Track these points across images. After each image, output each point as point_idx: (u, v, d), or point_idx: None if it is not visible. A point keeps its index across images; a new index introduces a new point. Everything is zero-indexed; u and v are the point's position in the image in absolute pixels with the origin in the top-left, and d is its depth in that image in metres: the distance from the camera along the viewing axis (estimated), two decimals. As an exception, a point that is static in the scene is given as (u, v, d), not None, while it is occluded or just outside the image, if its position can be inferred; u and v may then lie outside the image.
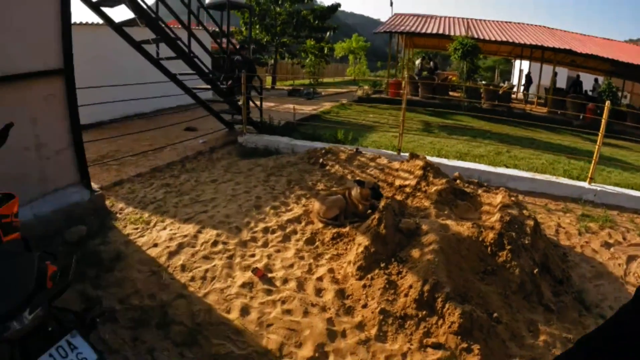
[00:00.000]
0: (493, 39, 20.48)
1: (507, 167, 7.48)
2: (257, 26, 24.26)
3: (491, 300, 3.47)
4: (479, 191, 5.38)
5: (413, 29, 21.80)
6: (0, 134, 3.18)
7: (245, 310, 3.52)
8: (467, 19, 23.83)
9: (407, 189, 5.38)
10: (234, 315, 3.47)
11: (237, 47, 11.89)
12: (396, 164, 6.43)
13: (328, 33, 26.94)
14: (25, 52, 4.96)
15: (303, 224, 5.07)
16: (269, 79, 14.83)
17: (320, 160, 7.31)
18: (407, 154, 6.81)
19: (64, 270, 2.22)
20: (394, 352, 3.09)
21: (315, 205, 5.18)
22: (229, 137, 10.10)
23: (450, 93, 20.19)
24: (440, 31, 21.30)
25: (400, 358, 3.06)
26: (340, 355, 3.08)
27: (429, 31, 21.47)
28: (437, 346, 3.11)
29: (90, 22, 11.37)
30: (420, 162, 5.76)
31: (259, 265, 4.16)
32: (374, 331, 3.27)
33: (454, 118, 14.11)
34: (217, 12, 11.80)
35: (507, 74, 39.28)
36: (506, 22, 23.61)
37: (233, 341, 3.21)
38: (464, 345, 3.04)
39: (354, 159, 7.28)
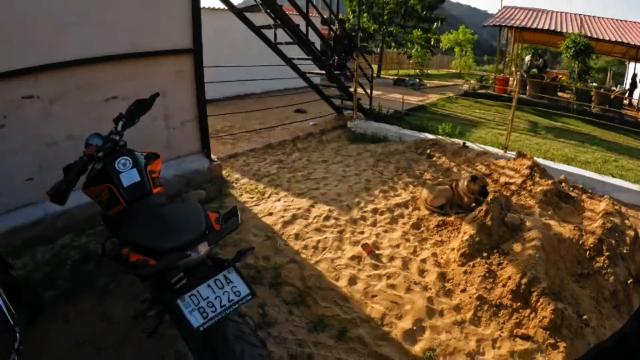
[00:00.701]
0: (607, 38, 19.16)
1: (613, 176, 7.24)
2: (365, 14, 24.25)
3: (583, 303, 3.54)
4: (583, 197, 5.37)
5: (523, 23, 21.01)
6: (147, 102, 3.59)
7: (352, 280, 3.84)
8: (580, 14, 22.57)
9: (513, 187, 5.48)
10: (342, 284, 3.79)
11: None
12: (502, 162, 6.49)
13: (435, 24, 26.39)
14: (159, 32, 5.56)
15: (410, 209, 5.33)
16: (374, 67, 14.98)
17: (428, 151, 7.51)
18: (513, 153, 6.88)
19: (227, 215, 2.61)
20: (486, 337, 3.28)
21: (423, 192, 5.42)
22: (337, 121, 10.46)
23: (559, 93, 19.26)
24: (552, 27, 20.27)
25: (490, 343, 3.23)
26: (436, 331, 3.31)
27: (539, 26, 20.53)
28: (525, 338, 3.25)
29: (217, 7, 12.09)
30: (527, 162, 5.82)
31: (368, 242, 4.48)
32: (469, 315, 3.47)
33: (562, 120, 13.59)
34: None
35: (619, 77, 36.66)
36: (623, 20, 21.94)
37: (339, 306, 3.53)
38: (551, 340, 3.16)
39: (460, 152, 7.41)
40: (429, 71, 31.46)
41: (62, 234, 4.70)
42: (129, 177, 3.05)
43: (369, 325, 3.36)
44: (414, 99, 14.40)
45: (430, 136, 8.59)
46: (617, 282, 3.75)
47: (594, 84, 20.30)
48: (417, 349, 3.15)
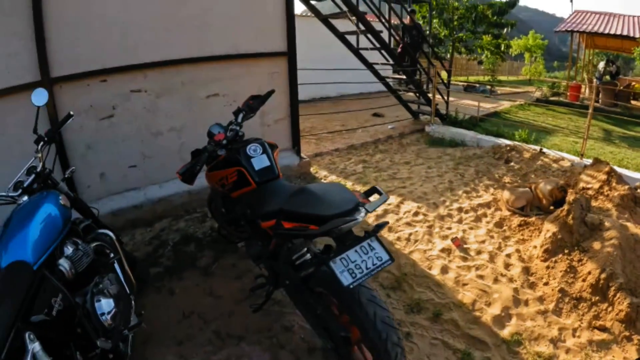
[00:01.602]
0: None
1: None
2: (435, 20, 24.02)
3: (656, 301, 3.81)
4: (659, 202, 5.63)
5: (595, 28, 20.51)
6: (263, 98, 4.02)
7: (444, 270, 4.28)
8: None
9: (590, 192, 5.73)
10: (434, 272, 4.23)
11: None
12: (579, 168, 6.77)
13: (505, 29, 25.66)
14: (257, 36, 6.09)
15: (492, 209, 5.70)
16: (444, 74, 15.04)
17: (505, 156, 7.81)
18: (589, 160, 7.07)
19: (366, 193, 2.99)
20: (567, 326, 3.60)
21: (505, 194, 5.79)
22: (415, 125, 10.83)
23: (632, 101, 18.49)
24: (625, 32, 19.65)
25: (571, 332, 3.55)
26: (521, 319, 3.68)
27: (612, 31, 19.99)
28: (603, 329, 3.52)
29: (303, 13, 12.64)
30: (604, 168, 6.05)
31: (457, 236, 4.93)
32: (551, 305, 3.82)
33: (636, 129, 13.44)
34: (397, 6, 12.38)
35: None
36: None
37: (433, 291, 3.95)
38: (627, 333, 3.40)
39: (537, 158, 7.67)
40: (500, 77, 30.93)
41: (160, 218, 5.22)
42: (260, 161, 3.42)
43: (461, 310, 3.74)
44: (486, 105, 14.50)
45: (507, 142, 8.83)
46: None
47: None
48: (506, 333, 3.51)
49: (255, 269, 4.01)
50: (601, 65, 21.32)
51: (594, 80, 18.82)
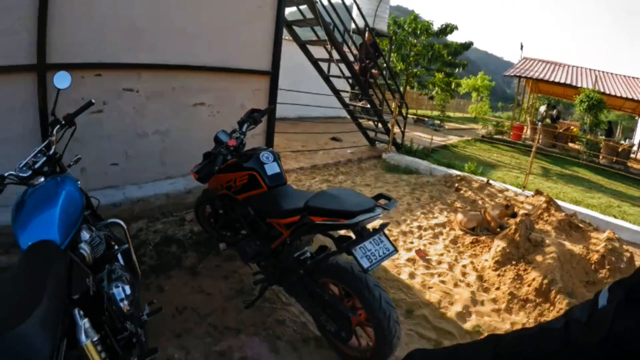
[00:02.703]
0: (619, 94, 20.20)
1: (615, 217, 8.23)
2: (394, 54, 25.05)
3: (589, 303, 4.64)
4: (590, 228, 6.49)
5: (541, 75, 22.01)
6: (264, 112, 4.28)
7: (411, 276, 4.87)
8: (594, 70, 23.71)
9: (532, 217, 6.57)
10: (404, 277, 4.81)
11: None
12: (521, 198, 7.63)
13: (457, 69, 27.34)
14: (245, 53, 6.39)
15: (447, 229, 6.38)
16: (393, 106, 15.73)
17: (456, 185, 8.58)
18: (530, 192, 7.96)
19: (375, 197, 3.33)
20: (517, 322, 4.28)
21: (458, 216, 6.51)
22: (371, 152, 11.49)
23: (570, 144, 20.19)
24: (568, 81, 21.35)
25: (520, 325, 4.21)
26: (480, 315, 4.32)
27: (556, 79, 21.60)
28: None
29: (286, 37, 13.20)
30: (544, 197, 6.94)
31: (420, 249, 5.59)
32: (503, 305, 4.49)
33: (572, 169, 14.47)
34: (358, 37, 13.27)
35: (629, 132, 37.19)
36: (635, 77, 23.05)
37: (404, 292, 4.50)
38: None
39: (484, 188, 8.49)
40: (448, 113, 32.12)
41: (137, 218, 5.23)
42: (272, 168, 3.77)
43: (429, 308, 4.32)
44: (437, 139, 15.43)
45: (457, 172, 9.68)
46: (615, 291, 4.84)
47: (603, 137, 21.23)
48: (468, 326, 4.14)
49: (241, 269, 4.40)
50: (542, 108, 22.95)
51: (536, 122, 20.25)
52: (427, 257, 5.41)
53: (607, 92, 19.92)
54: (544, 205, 6.69)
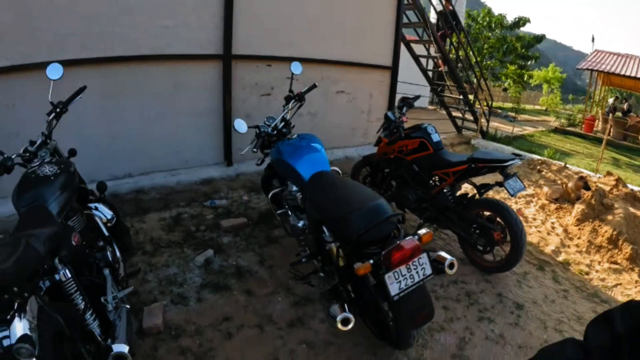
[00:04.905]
0: None
1: None
2: (468, 47, 25.50)
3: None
4: (653, 202, 8.02)
5: (613, 68, 21.47)
6: (411, 100, 5.63)
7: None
8: None
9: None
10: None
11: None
12: (594, 179, 9.11)
13: (530, 61, 27.42)
14: (372, 52, 7.76)
15: (536, 199, 7.96)
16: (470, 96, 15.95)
17: (537, 167, 10.04)
18: (601, 175, 9.40)
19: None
20: (595, 260, 5.84)
21: (544, 189, 8.08)
22: (460, 138, 12.75)
23: None
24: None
25: (597, 262, 5.75)
26: (567, 254, 5.89)
27: (628, 73, 20.95)
28: (615, 263, 5.79)
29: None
30: (614, 177, 8.43)
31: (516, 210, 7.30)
32: (584, 249, 6.10)
33: None
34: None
35: None
36: None
37: None
38: (630, 266, 5.62)
39: (562, 170, 9.87)
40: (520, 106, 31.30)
41: None
42: (436, 136, 5.01)
43: (531, 246, 5.84)
44: (514, 129, 16.27)
45: (537, 157, 11.01)
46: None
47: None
48: (560, 259, 5.75)
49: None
50: (610, 101, 22.85)
51: (606, 113, 20.34)
52: (524, 215, 7.14)
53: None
54: (614, 182, 8.22)
